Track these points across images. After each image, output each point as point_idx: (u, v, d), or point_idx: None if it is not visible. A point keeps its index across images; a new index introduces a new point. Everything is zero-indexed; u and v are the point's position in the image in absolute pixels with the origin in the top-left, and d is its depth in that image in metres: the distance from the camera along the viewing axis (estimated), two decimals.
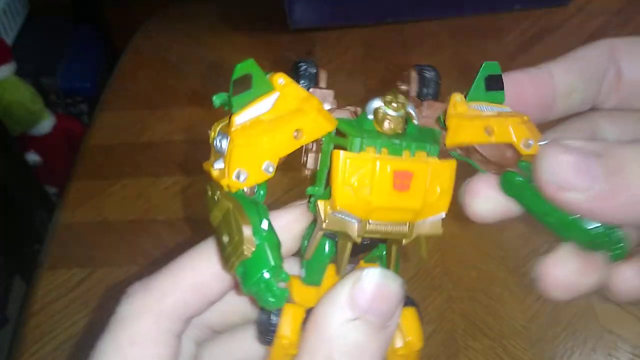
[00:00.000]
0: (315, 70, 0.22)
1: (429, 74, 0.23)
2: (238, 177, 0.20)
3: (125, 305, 0.21)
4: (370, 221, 0.20)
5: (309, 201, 0.22)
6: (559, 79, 0.24)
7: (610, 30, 0.66)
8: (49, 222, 0.57)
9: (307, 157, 0.22)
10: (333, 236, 0.21)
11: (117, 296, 0.22)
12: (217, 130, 0.21)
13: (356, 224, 0.20)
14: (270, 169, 0.20)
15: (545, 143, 0.20)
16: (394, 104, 0.20)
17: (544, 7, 0.68)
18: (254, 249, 0.19)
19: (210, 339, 0.24)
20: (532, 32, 0.66)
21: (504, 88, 0.22)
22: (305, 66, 0.22)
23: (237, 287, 0.21)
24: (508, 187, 0.22)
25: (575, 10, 0.68)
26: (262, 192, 0.21)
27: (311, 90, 0.21)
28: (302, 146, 0.21)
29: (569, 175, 0.19)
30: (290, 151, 0.20)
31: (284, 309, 0.21)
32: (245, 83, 0.20)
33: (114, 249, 0.53)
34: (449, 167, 0.20)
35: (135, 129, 0.63)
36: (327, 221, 0.20)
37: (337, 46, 0.68)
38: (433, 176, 0.20)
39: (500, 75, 0.22)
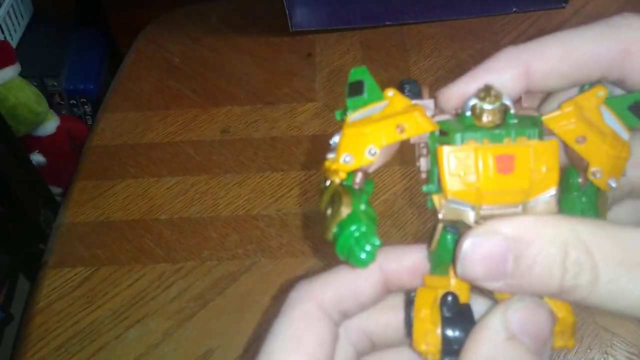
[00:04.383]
0: (418, 89, 0.24)
1: None
2: (345, 160, 0.22)
3: (294, 293, 0.24)
4: (483, 206, 0.21)
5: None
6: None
7: None
8: (53, 221, 0.58)
9: (420, 162, 0.24)
10: (455, 230, 0.22)
11: None
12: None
13: (470, 211, 0.21)
14: (373, 152, 0.22)
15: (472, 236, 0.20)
16: (489, 98, 0.21)
17: (541, 9, 0.68)
18: (349, 211, 0.21)
19: (369, 354, 0.26)
20: (529, 35, 0.67)
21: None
22: (409, 86, 0.24)
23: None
24: (564, 178, 0.23)
25: (572, 13, 0.68)
26: (368, 188, 0.23)
27: (413, 101, 0.23)
28: (417, 154, 0.23)
29: (486, 274, 0.20)
30: (393, 142, 0.22)
31: (418, 292, 0.23)
32: (358, 88, 0.22)
33: (117, 248, 0.54)
34: (551, 146, 0.21)
35: (138, 130, 0.63)
36: (443, 212, 0.21)
37: (337, 48, 0.69)
38: (536, 156, 0.21)
39: None
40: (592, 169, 0.22)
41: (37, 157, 1.12)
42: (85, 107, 1.24)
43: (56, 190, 1.14)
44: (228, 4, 0.77)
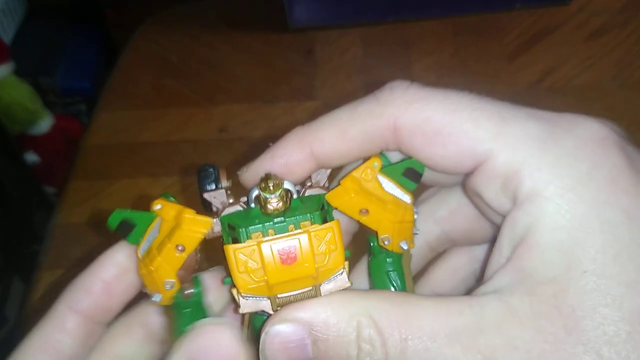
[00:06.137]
0: (216, 174, 0.24)
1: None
2: (156, 299, 0.23)
3: None
4: (278, 295, 0.22)
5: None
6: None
7: (611, 30, 0.65)
8: (48, 222, 0.57)
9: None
10: (264, 313, 0.23)
11: None
12: None
13: (267, 301, 0.22)
14: (170, 286, 0.23)
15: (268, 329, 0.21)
16: (270, 187, 0.22)
17: (545, 6, 0.68)
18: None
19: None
20: (532, 31, 0.66)
21: (415, 181, 0.24)
22: (206, 170, 0.24)
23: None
24: (367, 243, 0.25)
25: (576, 10, 0.67)
26: (197, 290, 0.24)
27: (204, 195, 0.24)
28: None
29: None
30: (181, 263, 0.23)
31: None
32: (127, 226, 0.24)
33: None
34: (331, 228, 0.22)
35: (134, 129, 0.63)
36: (241, 306, 0.22)
37: (337, 45, 0.68)
38: (318, 240, 0.22)
39: (421, 175, 0.24)
40: (381, 236, 0.23)
41: (32, 157, 1.11)
42: (80, 105, 1.23)
43: (50, 190, 1.13)
44: (226, 1, 0.76)
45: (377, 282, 0.25)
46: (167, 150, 0.60)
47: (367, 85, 0.64)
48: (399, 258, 0.24)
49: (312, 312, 0.21)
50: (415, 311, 0.20)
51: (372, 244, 0.25)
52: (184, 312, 0.23)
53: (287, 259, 0.21)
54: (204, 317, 0.24)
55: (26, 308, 0.51)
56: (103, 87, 0.69)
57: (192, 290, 0.24)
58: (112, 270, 0.24)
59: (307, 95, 0.64)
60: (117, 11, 1.27)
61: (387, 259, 0.24)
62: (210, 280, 0.24)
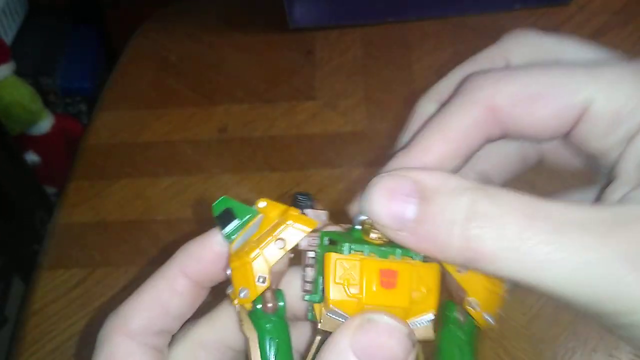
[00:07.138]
0: (311, 201, 0.24)
1: None
2: (243, 295, 0.23)
3: (101, 333, 0.24)
4: None
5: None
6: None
7: (611, 30, 0.65)
8: (48, 222, 0.57)
9: (305, 271, 0.24)
10: None
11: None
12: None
13: None
14: (263, 280, 0.22)
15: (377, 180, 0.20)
16: None
17: (545, 6, 0.68)
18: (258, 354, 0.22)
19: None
20: None
21: None
22: (304, 194, 0.24)
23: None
24: (442, 310, 0.24)
25: (576, 10, 0.67)
26: (281, 304, 0.23)
27: (305, 210, 0.23)
28: (304, 263, 0.23)
29: (388, 220, 0.20)
30: (278, 259, 0.22)
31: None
32: (228, 216, 0.23)
33: (113, 249, 0.53)
34: (433, 268, 0.22)
35: (134, 129, 0.63)
36: (322, 322, 0.22)
37: (337, 46, 0.68)
38: (418, 276, 0.21)
39: None
40: (469, 299, 0.22)
41: (32, 157, 1.12)
42: (81, 105, 1.23)
43: (51, 190, 1.13)
44: (226, 0, 0.76)
45: (445, 354, 0.23)
46: (167, 150, 0.60)
47: (367, 85, 0.64)
48: (472, 336, 0.23)
49: (429, 175, 0.20)
50: (540, 204, 0.19)
51: (447, 313, 0.23)
52: (266, 327, 0.23)
53: (387, 283, 0.21)
54: (287, 335, 0.23)
55: (26, 308, 0.51)
56: (103, 87, 0.69)
57: (280, 303, 0.23)
58: (223, 242, 0.24)
59: (307, 95, 0.64)
60: (117, 11, 1.27)
61: (458, 333, 0.23)
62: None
